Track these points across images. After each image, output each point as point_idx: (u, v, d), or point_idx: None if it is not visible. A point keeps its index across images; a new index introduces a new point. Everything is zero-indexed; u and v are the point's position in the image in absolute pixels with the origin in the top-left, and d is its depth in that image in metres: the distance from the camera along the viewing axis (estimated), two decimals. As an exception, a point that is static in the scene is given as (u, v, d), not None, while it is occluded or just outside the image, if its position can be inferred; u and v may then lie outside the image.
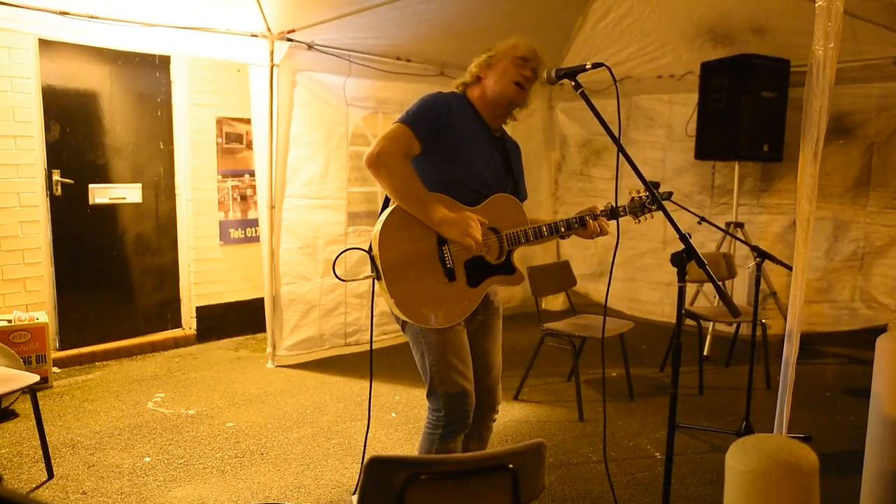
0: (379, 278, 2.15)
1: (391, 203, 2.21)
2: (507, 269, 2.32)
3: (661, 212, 2.23)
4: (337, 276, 2.49)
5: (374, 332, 5.15)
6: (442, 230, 2.15)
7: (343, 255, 4.92)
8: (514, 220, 2.33)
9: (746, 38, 5.05)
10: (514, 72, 2.29)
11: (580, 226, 2.36)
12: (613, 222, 2.42)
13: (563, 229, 2.35)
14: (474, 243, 2.15)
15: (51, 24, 3.65)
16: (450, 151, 2.23)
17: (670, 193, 2.53)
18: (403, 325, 2.28)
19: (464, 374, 2.25)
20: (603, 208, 2.39)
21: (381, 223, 2.15)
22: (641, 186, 2.19)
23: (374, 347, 5.10)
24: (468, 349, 2.30)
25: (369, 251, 2.18)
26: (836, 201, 5.19)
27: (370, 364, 2.57)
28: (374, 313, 2.45)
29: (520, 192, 2.44)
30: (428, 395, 2.30)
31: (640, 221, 2.42)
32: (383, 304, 2.26)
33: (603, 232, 2.37)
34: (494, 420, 2.52)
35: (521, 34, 2.35)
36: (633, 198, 2.40)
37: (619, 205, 2.39)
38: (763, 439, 1.63)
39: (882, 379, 2.43)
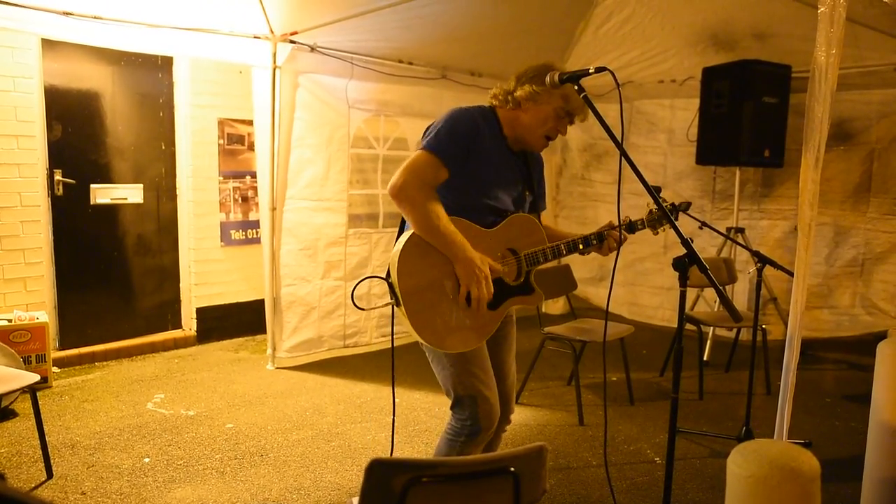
0: (398, 305, 2.13)
1: (408, 227, 2.18)
2: (525, 289, 2.31)
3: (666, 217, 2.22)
4: (357, 306, 2.49)
5: (374, 335, 5.15)
6: (457, 268, 2.12)
7: (343, 255, 4.93)
8: (531, 240, 2.31)
9: (748, 43, 5.06)
10: (553, 125, 2.24)
11: (598, 242, 2.34)
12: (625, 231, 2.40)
13: (581, 246, 2.33)
14: (477, 299, 2.13)
15: (54, 24, 3.66)
16: (474, 176, 2.20)
17: (688, 204, 2.51)
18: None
19: (487, 383, 2.25)
20: (619, 224, 2.35)
21: (399, 250, 2.12)
22: (648, 194, 2.17)
23: (374, 350, 5.10)
24: (488, 358, 2.29)
25: (387, 278, 2.15)
26: (837, 207, 5.20)
27: (392, 388, 2.55)
28: (393, 323, 2.41)
29: (538, 205, 2.42)
30: (453, 406, 2.29)
31: (658, 233, 2.39)
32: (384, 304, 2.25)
33: (619, 245, 2.35)
34: (505, 430, 2.52)
35: (539, 37, 2.30)
36: (651, 210, 2.36)
37: (632, 215, 2.37)
38: (764, 444, 1.63)
39: (882, 385, 2.43)
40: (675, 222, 2.10)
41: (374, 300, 5.10)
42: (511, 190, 2.30)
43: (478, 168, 2.20)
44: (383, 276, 2.18)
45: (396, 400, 4.15)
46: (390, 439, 3.59)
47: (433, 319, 2.14)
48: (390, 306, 2.19)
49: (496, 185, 2.25)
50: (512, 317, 2.47)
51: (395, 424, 3.78)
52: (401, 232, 2.25)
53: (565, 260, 5.98)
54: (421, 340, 2.15)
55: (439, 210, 2.12)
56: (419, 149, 2.17)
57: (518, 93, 2.25)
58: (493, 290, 2.16)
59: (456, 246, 2.11)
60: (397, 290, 2.10)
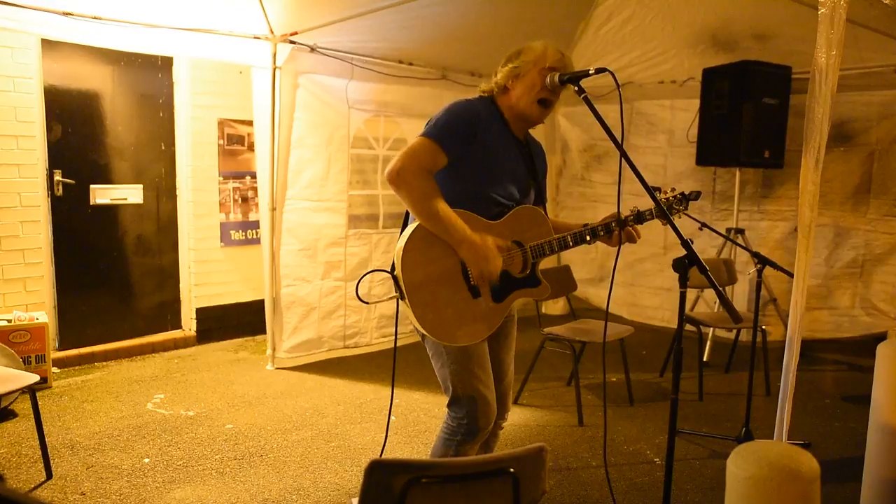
0: (403, 298, 2.12)
1: (412, 221, 2.17)
2: (532, 281, 2.29)
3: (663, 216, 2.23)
4: (361, 300, 2.47)
5: (374, 335, 5.15)
6: (461, 251, 2.11)
7: (343, 256, 4.93)
8: (537, 232, 2.29)
9: (748, 44, 5.06)
10: (543, 86, 2.20)
11: (605, 233, 2.31)
12: (641, 228, 2.38)
13: (588, 238, 2.30)
14: (489, 275, 2.13)
15: (54, 25, 3.66)
16: (477, 165, 2.19)
17: (698, 193, 2.48)
18: (424, 336, 2.25)
19: (485, 382, 2.24)
20: (628, 214, 2.32)
21: (403, 243, 2.11)
22: (647, 193, 2.15)
23: (374, 350, 5.10)
24: (489, 358, 2.28)
25: (392, 271, 2.15)
26: (837, 208, 5.20)
27: (392, 384, 2.55)
28: (397, 323, 2.41)
29: (542, 197, 2.41)
30: (449, 405, 2.28)
31: (666, 223, 2.39)
32: (382, 306, 2.25)
33: (630, 239, 2.32)
34: (502, 428, 2.51)
35: (535, 36, 2.30)
36: (659, 200, 2.32)
37: (642, 209, 2.34)
38: (764, 445, 1.63)
39: (882, 386, 2.43)
40: (674, 222, 2.09)
41: (372, 300, 5.10)
42: (516, 179, 2.28)
43: (481, 156, 2.19)
44: (388, 269, 2.17)
45: (396, 401, 4.15)
46: (389, 439, 3.59)
47: (438, 312, 2.13)
48: (395, 301, 2.18)
49: (501, 173, 2.24)
50: (514, 316, 2.46)
51: (396, 425, 3.78)
52: (404, 226, 2.23)
53: (565, 261, 5.98)
54: (425, 333, 2.14)
55: (437, 195, 2.11)
56: (418, 136, 2.16)
57: (500, 76, 2.28)
58: (500, 266, 2.15)
59: (456, 230, 2.09)
60: (402, 283, 2.09)
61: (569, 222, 2.44)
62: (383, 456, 2.53)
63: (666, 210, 2.28)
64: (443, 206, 2.10)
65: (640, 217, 2.34)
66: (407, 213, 2.26)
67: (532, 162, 2.37)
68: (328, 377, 4.56)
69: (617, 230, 2.30)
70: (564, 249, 2.30)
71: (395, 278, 2.13)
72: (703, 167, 5.48)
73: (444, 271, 2.14)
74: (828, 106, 2.35)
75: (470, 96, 2.31)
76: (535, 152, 2.40)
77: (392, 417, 3.88)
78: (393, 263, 2.15)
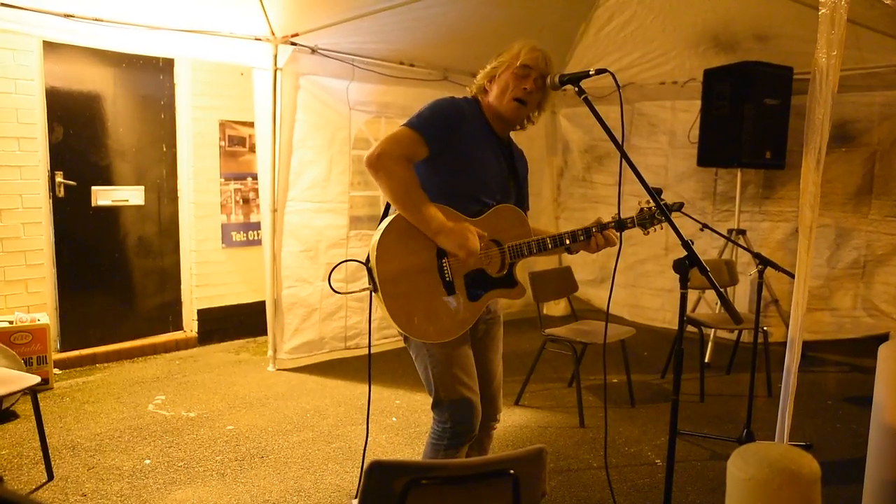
0: (376, 291, 2.11)
1: (390, 213, 2.17)
2: (508, 282, 2.27)
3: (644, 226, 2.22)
4: (332, 289, 2.46)
5: (374, 336, 5.14)
6: (439, 240, 2.09)
7: (344, 257, 4.93)
8: (517, 233, 2.28)
9: (750, 45, 5.06)
10: (515, 85, 2.20)
11: (586, 238, 2.28)
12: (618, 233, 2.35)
13: (567, 242, 2.27)
14: (471, 256, 2.10)
15: (55, 27, 3.66)
16: (458, 160, 2.18)
17: (681, 204, 2.45)
18: (406, 337, 2.24)
19: (469, 385, 2.22)
20: (609, 220, 2.29)
21: (379, 235, 2.10)
22: (647, 194, 2.14)
23: (374, 352, 5.09)
24: (472, 360, 2.26)
25: (366, 263, 2.13)
26: (838, 209, 5.19)
27: (369, 375, 2.55)
28: (371, 324, 2.43)
29: (523, 204, 2.39)
30: (433, 407, 2.27)
31: (648, 233, 2.31)
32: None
33: (609, 243, 2.28)
34: (495, 428, 2.50)
35: (526, 38, 2.30)
36: (641, 209, 2.29)
37: (626, 216, 2.30)
38: (765, 447, 1.63)
39: (884, 387, 2.43)
40: (674, 223, 2.08)
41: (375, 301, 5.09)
42: (497, 178, 2.27)
43: (463, 152, 2.18)
44: (363, 260, 2.15)
45: (397, 402, 4.15)
46: (390, 441, 3.59)
47: (410, 307, 2.11)
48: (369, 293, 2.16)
49: (483, 172, 2.23)
50: (499, 317, 2.45)
51: (397, 426, 3.78)
52: (383, 218, 2.21)
53: (566, 262, 5.97)
54: (397, 327, 2.12)
55: (416, 184, 2.10)
56: (400, 125, 2.16)
57: (479, 77, 2.31)
58: (479, 245, 2.12)
59: (433, 220, 2.08)
60: (375, 275, 2.08)
61: (549, 230, 2.41)
62: (364, 457, 2.52)
63: (648, 218, 2.27)
64: (420, 196, 2.09)
65: (620, 225, 2.30)
66: (387, 206, 2.24)
67: (514, 163, 2.36)
68: (329, 378, 4.56)
69: (596, 235, 2.27)
70: (542, 252, 2.27)
71: (369, 270, 2.11)
72: (704, 168, 5.48)
73: (419, 265, 2.12)
74: (828, 106, 2.35)
75: (457, 96, 2.31)
76: (516, 155, 2.40)
77: (393, 419, 3.88)
78: (368, 255, 2.13)
